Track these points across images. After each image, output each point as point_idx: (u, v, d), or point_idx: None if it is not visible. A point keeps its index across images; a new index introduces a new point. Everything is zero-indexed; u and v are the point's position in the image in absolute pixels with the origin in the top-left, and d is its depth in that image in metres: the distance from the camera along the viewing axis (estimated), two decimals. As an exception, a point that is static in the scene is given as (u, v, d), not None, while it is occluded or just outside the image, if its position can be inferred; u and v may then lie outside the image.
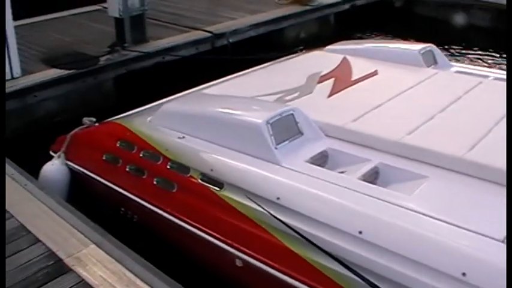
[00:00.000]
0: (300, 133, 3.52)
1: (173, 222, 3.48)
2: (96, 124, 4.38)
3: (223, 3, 9.23)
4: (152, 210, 3.63)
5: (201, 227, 3.34)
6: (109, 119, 4.41)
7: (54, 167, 4.29)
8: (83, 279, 2.77)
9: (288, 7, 9.13)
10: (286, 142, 3.41)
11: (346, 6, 10.25)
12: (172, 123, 3.87)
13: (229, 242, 3.17)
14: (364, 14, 10.44)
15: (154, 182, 3.69)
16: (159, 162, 3.69)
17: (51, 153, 4.45)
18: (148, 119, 4.11)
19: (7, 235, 3.12)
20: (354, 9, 10.41)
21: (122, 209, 3.95)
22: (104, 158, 4.08)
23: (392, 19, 11.04)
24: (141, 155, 3.83)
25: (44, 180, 4.20)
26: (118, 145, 4.02)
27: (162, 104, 4.31)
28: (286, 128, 3.47)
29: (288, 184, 3.11)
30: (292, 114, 3.55)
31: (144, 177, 3.77)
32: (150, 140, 3.84)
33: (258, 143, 3.35)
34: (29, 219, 3.32)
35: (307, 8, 9.18)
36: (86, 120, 4.45)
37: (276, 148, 3.33)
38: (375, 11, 10.85)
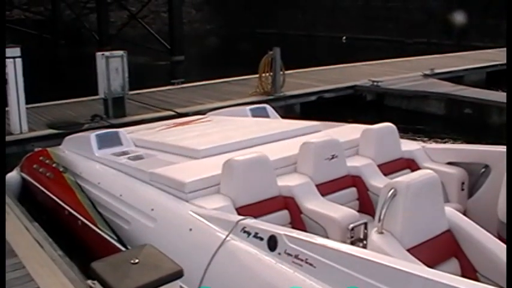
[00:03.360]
0: (120, 144, 6.01)
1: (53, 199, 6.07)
2: (38, 149, 7.22)
3: (204, 94, 12.26)
4: (46, 191, 6.26)
5: (58, 197, 5.91)
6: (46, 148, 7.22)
7: (13, 174, 7.10)
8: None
9: (256, 96, 11.86)
10: (108, 148, 5.84)
11: (313, 97, 12.74)
12: (64, 146, 6.56)
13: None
14: (333, 105, 12.69)
15: (47, 175, 6.36)
16: (53, 165, 6.36)
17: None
18: (61, 146, 6.85)
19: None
20: (321, 101, 12.70)
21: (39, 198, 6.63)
22: (34, 167, 6.83)
23: (363, 109, 13.22)
24: (46, 162, 6.54)
25: (6, 183, 6.98)
26: (41, 159, 6.77)
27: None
28: (111, 140, 5.97)
29: (91, 164, 5.68)
30: (117, 133, 6.10)
31: (47, 174, 6.45)
32: (52, 154, 6.55)
33: (88, 147, 5.89)
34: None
35: (271, 97, 11.85)
36: (36, 148, 7.34)
37: (98, 149, 5.84)
38: (346, 102, 13.08)
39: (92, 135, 5.97)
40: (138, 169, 5.04)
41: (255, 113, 7.17)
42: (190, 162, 5.01)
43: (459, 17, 28.24)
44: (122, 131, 6.21)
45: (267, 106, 7.45)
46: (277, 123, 6.55)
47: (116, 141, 6.00)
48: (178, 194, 4.39)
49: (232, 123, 6.64)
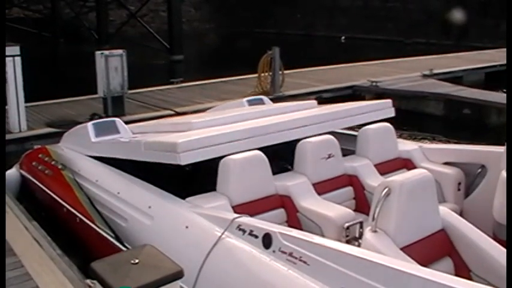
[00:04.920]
0: (118, 132, 5.92)
1: (49, 194, 6.09)
2: (37, 147, 7.22)
3: (203, 93, 12.27)
4: (45, 189, 6.26)
5: (57, 194, 5.91)
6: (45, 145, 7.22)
7: (12, 172, 7.10)
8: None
9: (255, 96, 11.83)
10: (105, 136, 5.81)
11: (312, 97, 12.69)
12: (63, 143, 6.57)
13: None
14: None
15: (46, 172, 6.36)
16: (52, 162, 6.37)
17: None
18: (60, 143, 6.84)
19: None
20: (320, 101, 12.75)
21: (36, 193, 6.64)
22: (33, 164, 6.83)
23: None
24: (45, 159, 6.55)
25: (6, 179, 6.96)
26: (40, 156, 6.77)
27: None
28: (108, 128, 5.91)
29: (89, 161, 5.68)
30: (114, 121, 6.08)
31: (46, 172, 6.46)
32: (51, 152, 6.55)
33: (85, 136, 5.88)
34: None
35: (270, 97, 11.81)
36: (35, 146, 7.34)
37: (96, 137, 5.81)
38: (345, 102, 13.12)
39: (89, 124, 6.01)
40: (132, 142, 5.12)
41: (252, 104, 7.18)
42: (183, 132, 5.01)
43: (458, 15, 28.26)
44: (119, 120, 6.21)
45: (264, 97, 7.40)
46: (273, 105, 6.75)
47: (113, 129, 5.96)
48: (171, 156, 4.38)
49: (228, 110, 6.74)
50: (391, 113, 5.77)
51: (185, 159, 4.31)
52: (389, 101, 5.84)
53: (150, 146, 4.73)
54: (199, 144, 4.41)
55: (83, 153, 5.89)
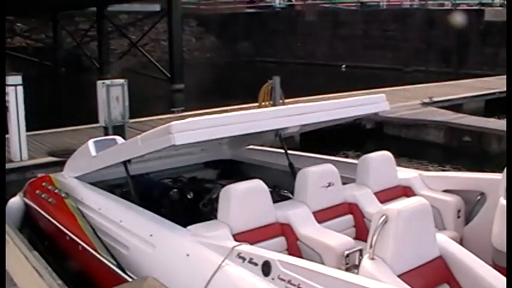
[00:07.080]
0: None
1: (51, 221, 6.08)
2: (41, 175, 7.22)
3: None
4: (48, 217, 6.24)
5: (60, 222, 5.90)
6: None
7: (16, 200, 7.08)
8: None
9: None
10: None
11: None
12: (66, 171, 6.58)
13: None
14: (332, 134, 12.59)
15: (49, 200, 6.35)
16: (55, 191, 6.37)
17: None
18: (63, 171, 6.85)
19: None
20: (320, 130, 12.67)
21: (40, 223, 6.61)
22: (36, 192, 6.81)
23: (362, 138, 13.19)
24: (49, 188, 6.54)
25: (9, 208, 6.94)
26: (43, 184, 6.76)
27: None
28: (109, 146, 5.82)
29: (92, 190, 5.69)
30: (114, 139, 6.16)
31: (49, 200, 6.43)
32: (54, 180, 6.56)
33: (86, 153, 5.92)
34: None
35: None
36: (38, 175, 7.35)
37: (96, 153, 5.81)
38: (346, 131, 12.98)
39: (90, 142, 6.04)
40: (130, 141, 5.13)
41: None
42: None
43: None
44: (119, 138, 6.27)
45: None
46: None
47: (112, 144, 5.95)
48: (166, 139, 4.30)
49: None
50: (386, 106, 5.76)
51: (179, 139, 4.22)
52: (382, 95, 5.82)
53: (146, 137, 4.67)
54: (193, 126, 4.35)
55: (85, 171, 5.90)
